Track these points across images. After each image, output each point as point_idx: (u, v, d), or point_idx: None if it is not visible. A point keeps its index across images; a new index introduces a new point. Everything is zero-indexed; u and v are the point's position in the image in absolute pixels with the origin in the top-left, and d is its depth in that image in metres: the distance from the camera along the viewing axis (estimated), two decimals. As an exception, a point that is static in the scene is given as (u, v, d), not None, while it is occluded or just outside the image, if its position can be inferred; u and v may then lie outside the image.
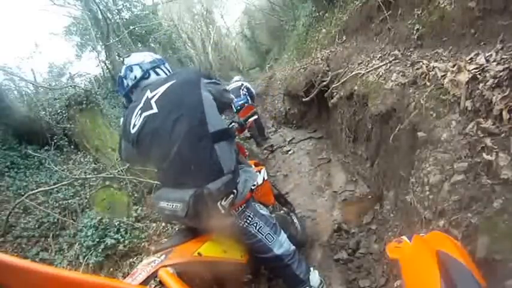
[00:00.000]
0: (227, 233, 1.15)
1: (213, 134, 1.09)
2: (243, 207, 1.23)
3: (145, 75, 1.30)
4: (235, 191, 1.11)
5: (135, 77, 1.30)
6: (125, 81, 1.33)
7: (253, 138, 4.70)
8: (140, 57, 1.34)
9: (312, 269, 1.50)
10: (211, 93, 1.17)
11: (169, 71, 1.39)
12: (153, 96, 1.15)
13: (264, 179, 1.74)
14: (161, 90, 1.15)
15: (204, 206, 1.01)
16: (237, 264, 1.22)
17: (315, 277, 1.46)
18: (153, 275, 0.86)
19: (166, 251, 1.02)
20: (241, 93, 4.60)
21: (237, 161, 1.21)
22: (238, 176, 1.16)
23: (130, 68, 1.31)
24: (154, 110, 1.12)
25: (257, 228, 1.26)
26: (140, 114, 1.15)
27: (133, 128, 1.17)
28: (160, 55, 1.56)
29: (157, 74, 1.33)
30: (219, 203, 1.05)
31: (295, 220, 2.12)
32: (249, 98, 4.59)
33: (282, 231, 1.39)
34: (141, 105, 1.17)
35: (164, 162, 1.10)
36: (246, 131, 4.41)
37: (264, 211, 1.38)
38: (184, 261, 0.96)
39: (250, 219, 1.25)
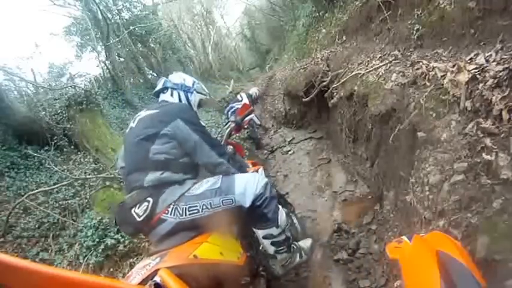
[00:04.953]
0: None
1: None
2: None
3: (164, 90, 1.54)
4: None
5: (157, 88, 1.56)
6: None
7: (252, 140, 4.69)
8: (174, 76, 1.60)
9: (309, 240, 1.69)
10: (171, 136, 1.23)
11: (180, 99, 1.54)
12: (140, 114, 1.36)
13: None
14: (146, 113, 1.34)
15: None
16: (233, 266, 1.21)
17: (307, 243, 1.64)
18: (149, 278, 0.86)
19: (162, 253, 1.01)
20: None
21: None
22: None
23: (162, 80, 1.57)
24: (134, 124, 1.33)
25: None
26: (131, 122, 1.38)
27: (128, 129, 1.39)
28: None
29: (172, 95, 1.53)
30: None
31: (295, 220, 2.11)
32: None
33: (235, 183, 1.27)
34: (134, 116, 1.40)
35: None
36: (245, 131, 4.43)
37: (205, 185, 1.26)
38: (180, 263, 0.95)
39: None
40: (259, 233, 1.37)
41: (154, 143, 1.20)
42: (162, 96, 1.53)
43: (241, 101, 5.10)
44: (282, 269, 1.48)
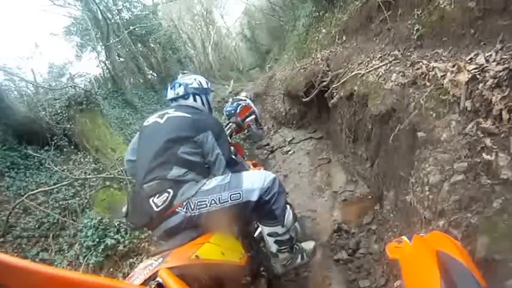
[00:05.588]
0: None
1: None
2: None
3: (185, 96, 1.56)
4: None
5: (177, 94, 1.56)
6: (170, 91, 1.59)
7: (251, 137, 4.70)
8: (190, 80, 1.60)
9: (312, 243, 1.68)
10: (199, 144, 1.32)
11: (203, 103, 1.61)
12: (168, 112, 1.41)
13: None
14: (176, 114, 1.40)
15: None
16: (235, 267, 1.21)
17: (310, 245, 1.64)
18: (151, 278, 0.86)
19: (164, 254, 1.01)
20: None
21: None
22: None
23: (179, 84, 1.57)
24: (162, 121, 1.38)
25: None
26: (156, 117, 1.42)
27: (146, 122, 1.45)
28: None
29: (195, 100, 1.58)
30: None
31: (295, 220, 2.12)
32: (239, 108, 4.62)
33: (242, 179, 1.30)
34: (160, 112, 1.44)
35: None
36: (246, 131, 4.44)
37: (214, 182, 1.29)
38: (181, 264, 0.95)
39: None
40: (264, 229, 1.38)
41: (184, 145, 1.28)
42: (184, 102, 1.56)
43: (244, 99, 5.09)
44: (283, 268, 1.49)
